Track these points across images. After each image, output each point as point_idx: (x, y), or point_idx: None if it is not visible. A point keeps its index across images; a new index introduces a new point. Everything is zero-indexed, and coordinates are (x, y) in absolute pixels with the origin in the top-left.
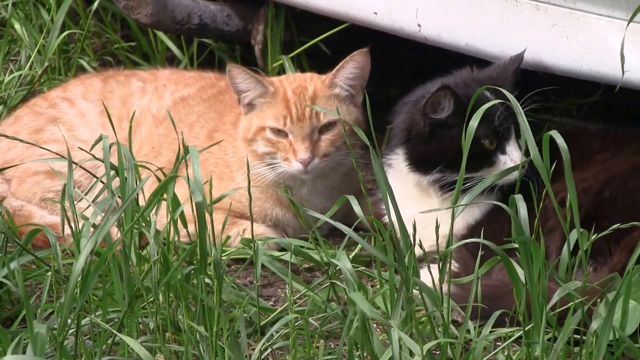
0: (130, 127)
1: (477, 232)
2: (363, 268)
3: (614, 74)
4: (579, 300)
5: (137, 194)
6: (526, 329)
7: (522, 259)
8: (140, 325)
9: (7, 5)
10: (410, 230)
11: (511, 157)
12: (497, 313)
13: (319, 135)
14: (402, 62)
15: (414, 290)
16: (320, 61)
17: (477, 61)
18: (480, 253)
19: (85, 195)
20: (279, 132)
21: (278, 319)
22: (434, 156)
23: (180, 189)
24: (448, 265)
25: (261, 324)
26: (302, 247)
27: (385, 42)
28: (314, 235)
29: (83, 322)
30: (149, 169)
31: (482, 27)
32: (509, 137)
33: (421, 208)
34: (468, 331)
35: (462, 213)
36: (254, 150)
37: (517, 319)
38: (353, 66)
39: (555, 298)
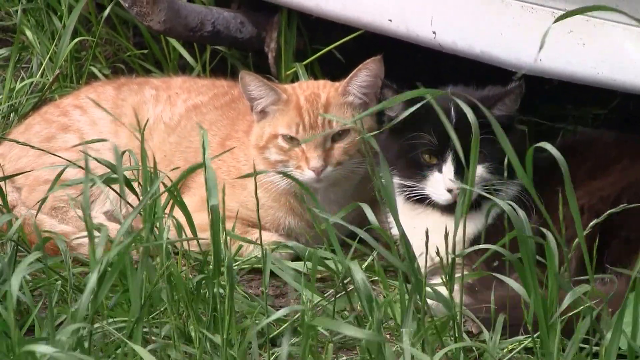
0: (143, 135)
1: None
2: (376, 278)
3: (631, 82)
4: (584, 307)
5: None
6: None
7: (527, 270)
8: (152, 336)
9: (18, 11)
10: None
11: (445, 179)
12: (500, 319)
13: (332, 144)
14: (417, 71)
15: (427, 300)
16: (334, 69)
17: (494, 70)
18: (494, 264)
19: (95, 202)
20: (291, 139)
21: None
22: (391, 156)
23: (192, 198)
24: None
25: (272, 334)
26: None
27: (401, 50)
28: (328, 243)
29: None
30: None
31: (497, 34)
32: (447, 158)
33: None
34: (483, 341)
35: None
36: (266, 158)
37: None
38: (366, 74)
39: (564, 304)
